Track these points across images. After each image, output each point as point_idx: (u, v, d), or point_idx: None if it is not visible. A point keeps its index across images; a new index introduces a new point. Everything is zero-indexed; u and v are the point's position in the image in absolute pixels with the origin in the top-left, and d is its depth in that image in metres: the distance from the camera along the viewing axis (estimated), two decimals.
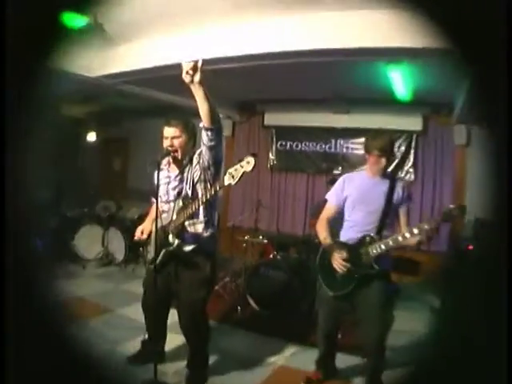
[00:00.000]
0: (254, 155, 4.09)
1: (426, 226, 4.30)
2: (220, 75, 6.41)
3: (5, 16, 1.69)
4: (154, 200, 4.89)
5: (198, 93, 4.07)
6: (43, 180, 11.95)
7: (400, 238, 4.39)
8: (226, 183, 4.14)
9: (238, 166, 4.10)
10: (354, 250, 4.60)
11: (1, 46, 1.64)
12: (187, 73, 3.95)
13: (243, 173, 4.06)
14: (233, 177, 4.09)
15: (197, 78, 3.97)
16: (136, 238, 5.06)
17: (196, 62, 3.98)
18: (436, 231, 4.35)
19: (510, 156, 1.81)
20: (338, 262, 4.57)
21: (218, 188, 4.35)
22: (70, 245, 10.07)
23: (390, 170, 4.78)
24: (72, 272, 9.31)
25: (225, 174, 4.17)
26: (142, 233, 5.02)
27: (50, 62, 5.95)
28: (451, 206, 4.47)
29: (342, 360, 5.46)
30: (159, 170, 4.63)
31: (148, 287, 5.05)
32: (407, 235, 4.35)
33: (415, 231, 4.31)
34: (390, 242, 4.44)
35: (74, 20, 5.36)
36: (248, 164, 4.06)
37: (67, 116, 12.26)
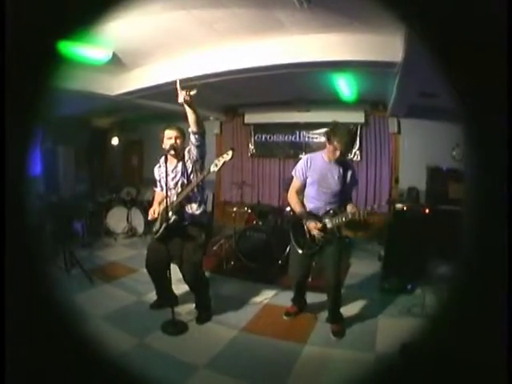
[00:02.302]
0: (232, 149, 4.37)
1: (369, 209, 4.56)
2: (209, 87, 6.49)
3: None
4: (154, 188, 5.31)
5: (188, 109, 4.34)
6: (81, 176, 12.00)
7: (350, 216, 4.50)
8: (211, 170, 4.50)
9: (220, 158, 4.46)
10: (321, 220, 4.62)
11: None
12: (181, 95, 4.19)
13: (224, 162, 4.46)
14: (216, 165, 4.46)
15: (187, 98, 4.19)
16: (150, 217, 5.10)
17: (187, 89, 4.19)
18: (371, 212, 4.55)
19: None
20: (314, 230, 4.61)
21: (206, 174, 4.62)
22: (103, 223, 10.14)
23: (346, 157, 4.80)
24: (106, 243, 9.40)
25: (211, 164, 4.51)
26: (154, 213, 5.04)
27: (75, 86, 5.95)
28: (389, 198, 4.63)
29: (313, 297, 5.53)
30: (167, 161, 4.80)
31: (150, 251, 5.19)
32: (356, 214, 4.45)
33: (361, 213, 4.46)
34: (346, 216, 4.53)
35: (97, 52, 5.41)
36: (227, 155, 4.46)
37: (96, 127, 12.28)
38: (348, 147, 4.72)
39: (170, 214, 4.74)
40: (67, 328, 1.85)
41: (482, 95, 1.52)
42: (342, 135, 4.50)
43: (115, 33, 4.83)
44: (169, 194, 4.79)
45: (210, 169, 4.50)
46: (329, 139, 4.57)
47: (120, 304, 5.60)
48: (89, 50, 5.24)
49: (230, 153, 4.48)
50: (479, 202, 1.60)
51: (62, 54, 1.85)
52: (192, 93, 4.17)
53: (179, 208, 4.81)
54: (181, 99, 4.20)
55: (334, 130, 4.57)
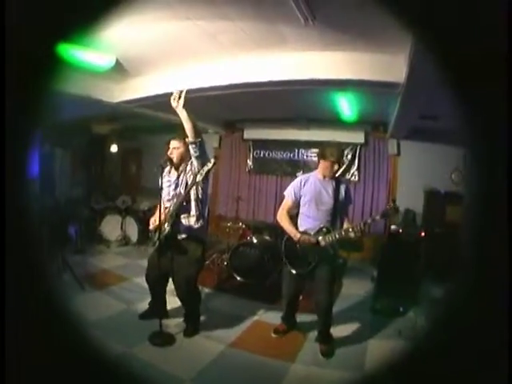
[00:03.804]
0: (215, 157, 4.45)
1: (362, 225, 4.53)
2: (211, 100, 6.49)
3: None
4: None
5: (182, 115, 4.36)
6: (77, 181, 11.97)
7: (343, 233, 4.55)
8: (198, 179, 4.53)
9: (205, 167, 4.48)
10: (315, 237, 4.63)
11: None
12: (173, 100, 4.30)
13: (208, 170, 4.49)
14: (201, 174, 4.49)
15: (180, 104, 4.28)
16: (151, 226, 5.10)
17: (179, 92, 4.29)
18: (368, 229, 4.58)
19: None
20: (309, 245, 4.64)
21: (191, 186, 4.67)
22: (97, 230, 10.16)
23: (337, 174, 4.83)
24: (99, 250, 9.39)
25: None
26: (154, 222, 5.04)
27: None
28: (388, 206, 4.61)
29: (302, 317, 5.50)
30: (163, 171, 4.75)
31: (150, 262, 5.15)
32: (350, 230, 4.51)
33: (355, 229, 4.50)
34: (339, 233, 4.56)
35: (99, 58, 5.42)
36: (209, 163, 4.48)
37: (95, 133, 12.28)
38: (341, 159, 4.77)
39: (166, 225, 4.74)
40: (63, 332, 1.85)
41: (486, 117, 1.51)
42: (334, 148, 4.69)
43: (119, 40, 4.84)
44: (168, 204, 4.85)
45: (196, 178, 4.53)
46: (323, 156, 4.69)
47: (109, 312, 5.57)
48: (92, 56, 5.25)
49: (212, 160, 4.48)
50: (478, 224, 1.60)
51: (63, 58, 1.85)
52: (180, 101, 4.26)
53: (175, 220, 4.78)
54: (174, 104, 4.31)
55: (325, 146, 4.76)
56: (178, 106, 4.28)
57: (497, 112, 1.48)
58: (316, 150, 9.99)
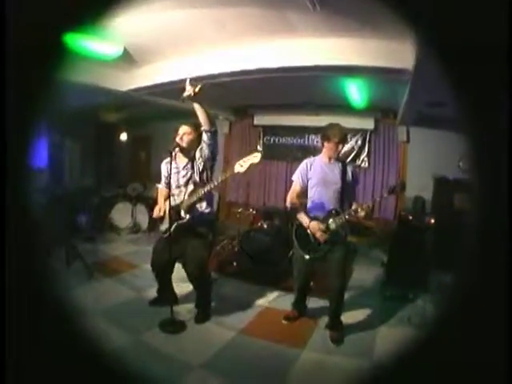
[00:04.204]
0: (259, 151, 4.35)
1: (370, 204, 4.55)
2: (220, 87, 6.48)
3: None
4: (158, 185, 5.31)
5: (197, 106, 4.37)
6: (87, 170, 12.00)
7: (353, 213, 4.52)
8: (236, 171, 4.39)
9: (246, 159, 4.36)
10: (324, 221, 4.62)
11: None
12: (187, 91, 4.23)
13: (250, 164, 4.32)
14: (241, 166, 4.35)
15: (198, 95, 4.25)
16: (155, 215, 5.12)
17: (195, 84, 4.23)
18: (373, 209, 4.57)
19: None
20: (318, 231, 4.63)
21: (229, 174, 4.58)
22: (108, 218, 10.18)
23: (347, 159, 4.82)
24: (110, 238, 9.44)
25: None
26: (159, 211, 5.05)
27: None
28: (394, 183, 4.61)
29: (313, 303, 5.53)
30: (171, 157, 4.73)
31: (156, 251, 5.14)
32: (359, 210, 4.47)
33: (363, 207, 4.48)
34: (349, 214, 4.55)
35: (107, 47, 5.42)
36: (256, 158, 4.33)
37: (105, 121, 12.29)
38: (344, 138, 4.75)
39: (183, 213, 4.75)
40: (65, 322, 1.85)
41: (486, 105, 1.51)
42: (337, 129, 4.67)
43: (126, 28, 4.84)
44: (177, 191, 4.85)
45: (234, 169, 4.43)
46: (326, 138, 4.72)
47: (120, 299, 5.61)
48: (100, 44, 5.26)
49: (259, 155, 4.40)
50: (484, 211, 1.59)
51: (68, 47, 1.85)
52: (197, 89, 4.20)
53: (192, 207, 4.80)
54: (185, 94, 4.25)
55: (327, 128, 4.74)
56: (195, 97, 4.26)
57: (497, 105, 1.48)
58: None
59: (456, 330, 1.65)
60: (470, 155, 1.64)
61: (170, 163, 4.73)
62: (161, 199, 5.17)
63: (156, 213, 5.11)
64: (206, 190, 4.65)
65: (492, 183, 1.55)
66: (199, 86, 4.22)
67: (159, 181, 5.26)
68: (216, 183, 4.65)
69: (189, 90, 4.22)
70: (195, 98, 4.25)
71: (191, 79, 4.29)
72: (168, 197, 4.74)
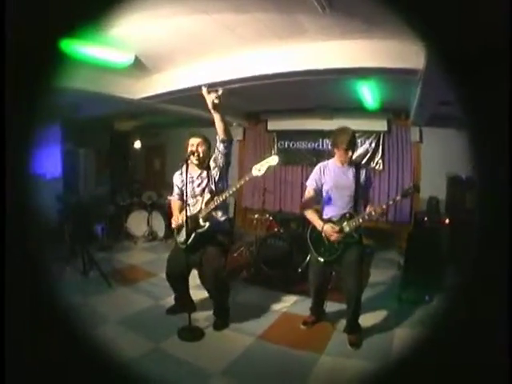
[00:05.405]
0: (276, 155, 4.36)
1: (383, 206, 4.63)
2: (233, 93, 6.50)
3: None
4: (169, 197, 5.37)
5: (216, 116, 4.35)
6: (102, 179, 12.05)
7: (366, 216, 4.54)
8: (254, 175, 4.40)
9: (263, 162, 4.38)
10: (339, 224, 4.63)
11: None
12: (212, 102, 4.21)
13: (268, 167, 4.34)
14: (259, 170, 4.36)
15: (216, 101, 4.21)
16: (174, 225, 5.12)
17: (217, 93, 4.21)
18: (387, 210, 4.58)
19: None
20: (332, 234, 4.63)
21: (247, 179, 4.57)
22: (124, 226, 10.25)
23: (361, 161, 4.81)
24: (126, 246, 9.50)
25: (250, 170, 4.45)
26: (178, 219, 5.07)
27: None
28: (408, 185, 4.60)
29: (331, 307, 5.52)
30: (187, 166, 4.72)
31: (170, 261, 5.17)
32: (372, 213, 4.49)
33: (377, 210, 4.50)
34: (363, 217, 4.55)
35: (119, 56, 5.45)
36: (273, 160, 4.37)
37: (118, 130, 12.36)
38: (352, 144, 4.69)
39: (201, 221, 4.76)
40: (79, 331, 1.86)
41: (490, 106, 1.51)
42: (345, 135, 4.63)
43: (137, 36, 4.88)
44: (193, 201, 4.89)
45: (252, 173, 4.44)
46: (335, 144, 4.74)
47: (137, 308, 5.64)
48: (111, 53, 5.29)
49: (276, 158, 4.44)
50: (489, 210, 1.60)
51: (65, 54, 1.87)
52: (219, 93, 4.20)
53: (210, 215, 4.81)
54: (210, 103, 4.23)
55: (336, 135, 4.76)
56: (215, 107, 4.26)
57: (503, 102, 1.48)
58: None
59: (462, 331, 1.65)
60: (470, 155, 1.64)
61: (186, 172, 4.74)
62: (176, 210, 5.19)
63: (174, 222, 5.10)
64: (223, 197, 4.66)
65: (492, 183, 1.55)
66: (220, 91, 4.23)
67: (172, 188, 5.28)
68: (232, 190, 4.67)
69: (211, 98, 4.20)
70: (218, 104, 4.24)
71: (207, 86, 4.29)
72: (183, 207, 4.81)
